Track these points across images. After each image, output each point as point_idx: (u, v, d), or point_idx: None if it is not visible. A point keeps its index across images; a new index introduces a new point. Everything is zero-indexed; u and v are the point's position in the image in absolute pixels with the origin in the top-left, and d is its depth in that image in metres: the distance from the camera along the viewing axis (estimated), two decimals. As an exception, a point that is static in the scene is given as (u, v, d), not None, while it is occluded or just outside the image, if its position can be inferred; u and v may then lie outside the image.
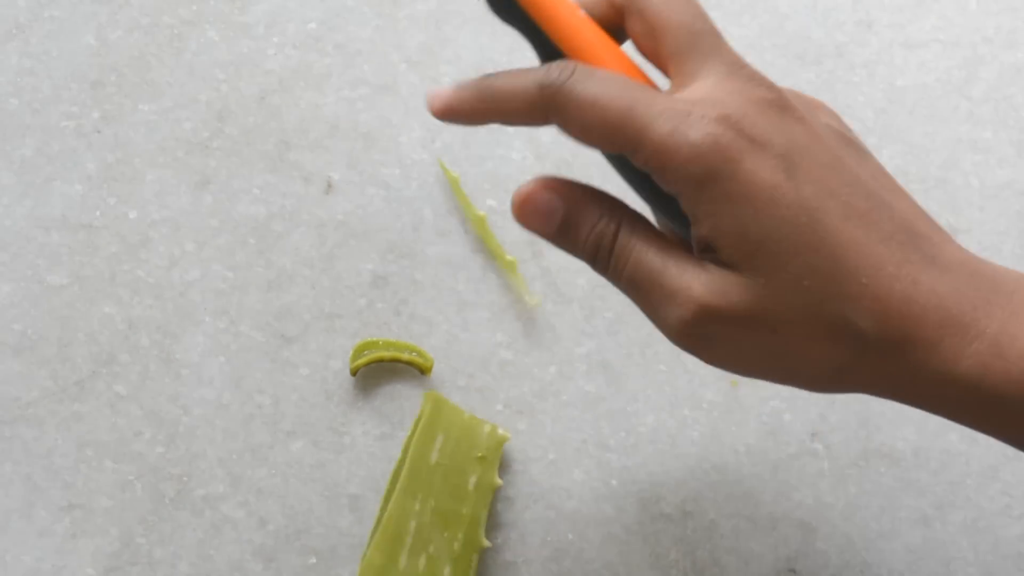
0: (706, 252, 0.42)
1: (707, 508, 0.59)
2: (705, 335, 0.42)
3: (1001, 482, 0.60)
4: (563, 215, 0.44)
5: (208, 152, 0.64)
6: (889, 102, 0.66)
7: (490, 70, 0.66)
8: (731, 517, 0.59)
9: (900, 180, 0.65)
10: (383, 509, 0.58)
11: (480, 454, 0.58)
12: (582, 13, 0.46)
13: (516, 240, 0.63)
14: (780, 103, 0.43)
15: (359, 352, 0.60)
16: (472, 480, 0.57)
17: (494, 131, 0.65)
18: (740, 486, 0.60)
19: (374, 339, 0.61)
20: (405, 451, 0.58)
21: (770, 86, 0.43)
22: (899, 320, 0.41)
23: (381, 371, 0.61)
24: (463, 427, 0.58)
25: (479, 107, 0.45)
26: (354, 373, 0.60)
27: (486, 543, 0.57)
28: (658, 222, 0.47)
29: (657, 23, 0.44)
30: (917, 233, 0.43)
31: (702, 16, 0.44)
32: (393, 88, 0.66)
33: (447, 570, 0.56)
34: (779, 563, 0.58)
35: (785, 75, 0.66)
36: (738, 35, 0.67)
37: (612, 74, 0.43)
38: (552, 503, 0.59)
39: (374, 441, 0.60)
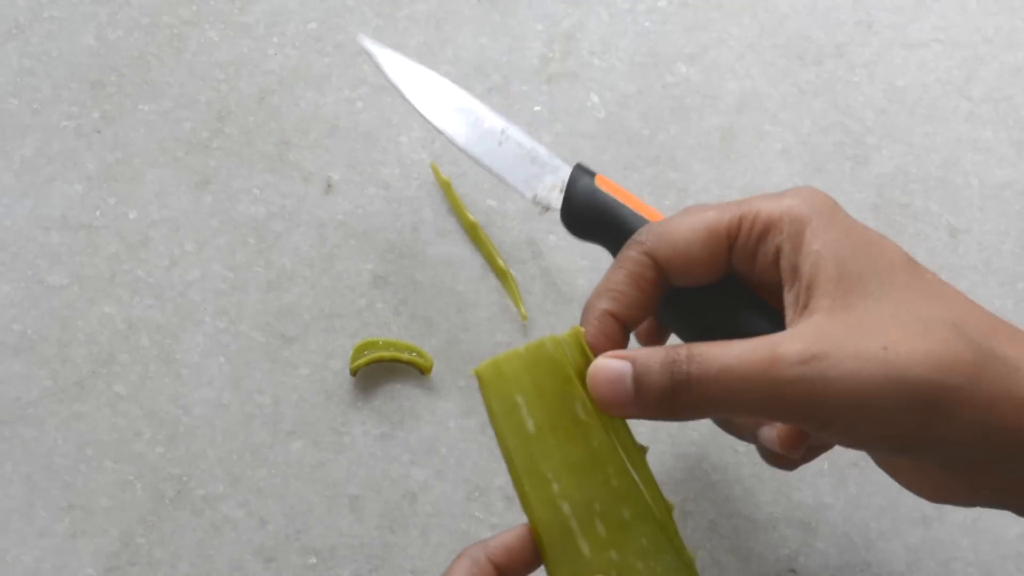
0: (796, 316, 0.43)
1: (707, 508, 0.59)
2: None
3: (1001, 482, 0.60)
4: (634, 375, 0.43)
5: (208, 152, 0.64)
6: (889, 102, 0.66)
7: (490, 70, 0.66)
8: (731, 517, 0.59)
9: (900, 180, 0.65)
10: (524, 503, 0.49)
11: (567, 374, 0.48)
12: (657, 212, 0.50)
13: (515, 241, 0.63)
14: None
15: (359, 352, 0.60)
16: (578, 408, 0.48)
17: (494, 131, 0.65)
18: (740, 486, 0.60)
19: (374, 339, 0.61)
20: (500, 436, 0.50)
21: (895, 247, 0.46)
22: None
23: (381, 371, 0.61)
24: (531, 367, 0.48)
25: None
26: (354, 373, 0.60)
27: (644, 445, 0.49)
28: None
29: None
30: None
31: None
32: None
33: (626, 511, 0.48)
34: (779, 563, 0.58)
35: (785, 75, 0.66)
36: (738, 35, 0.67)
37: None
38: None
39: (374, 441, 0.60)
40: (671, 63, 0.66)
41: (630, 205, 0.50)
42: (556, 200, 0.53)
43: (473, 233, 0.63)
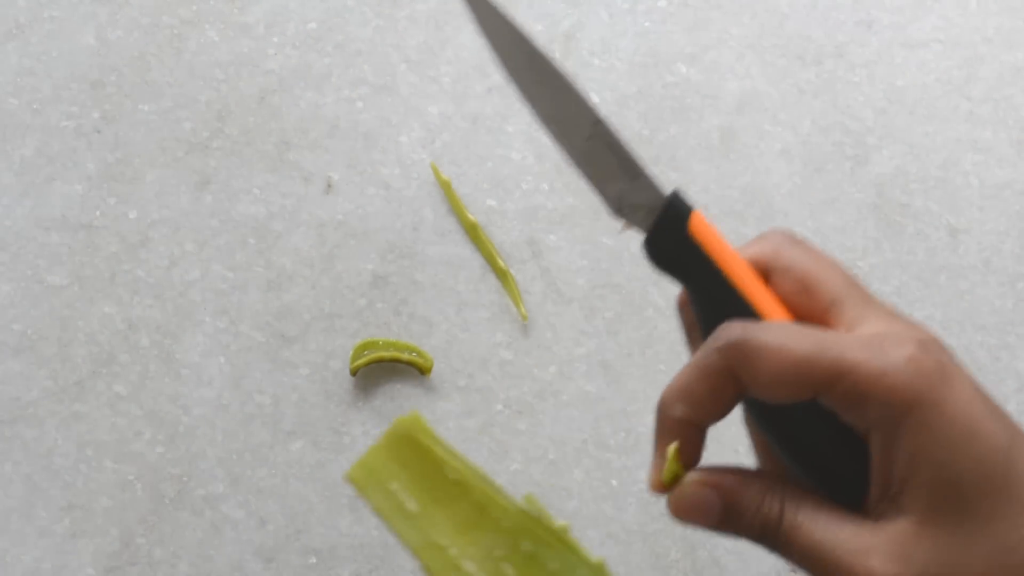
0: (885, 501, 0.40)
1: (707, 508, 0.59)
2: None
3: (1001, 482, 0.60)
4: (722, 507, 0.43)
5: (208, 152, 0.64)
6: (889, 102, 0.66)
7: (490, 70, 0.66)
8: (731, 517, 0.59)
9: (900, 180, 0.65)
10: None
11: (425, 446, 0.51)
12: (751, 267, 0.46)
13: (515, 241, 0.63)
14: (942, 346, 0.41)
15: (359, 352, 0.60)
16: (448, 472, 0.51)
17: (493, 131, 0.65)
18: (740, 486, 0.60)
19: (374, 339, 0.61)
20: (397, 532, 0.52)
21: (927, 330, 0.42)
22: None
23: (381, 371, 0.61)
24: (393, 453, 0.52)
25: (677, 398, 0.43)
26: (354, 373, 0.60)
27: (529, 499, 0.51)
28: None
29: (809, 277, 0.44)
30: None
31: (842, 267, 0.44)
32: (393, 88, 0.66)
33: (525, 543, 0.50)
34: (779, 563, 0.58)
35: (785, 75, 0.66)
36: (738, 35, 0.67)
37: (786, 322, 0.42)
38: (552, 503, 0.59)
39: (374, 441, 0.60)
40: (671, 63, 0.66)
41: (723, 259, 0.46)
42: (642, 223, 0.48)
43: (473, 233, 0.63)
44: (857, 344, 0.40)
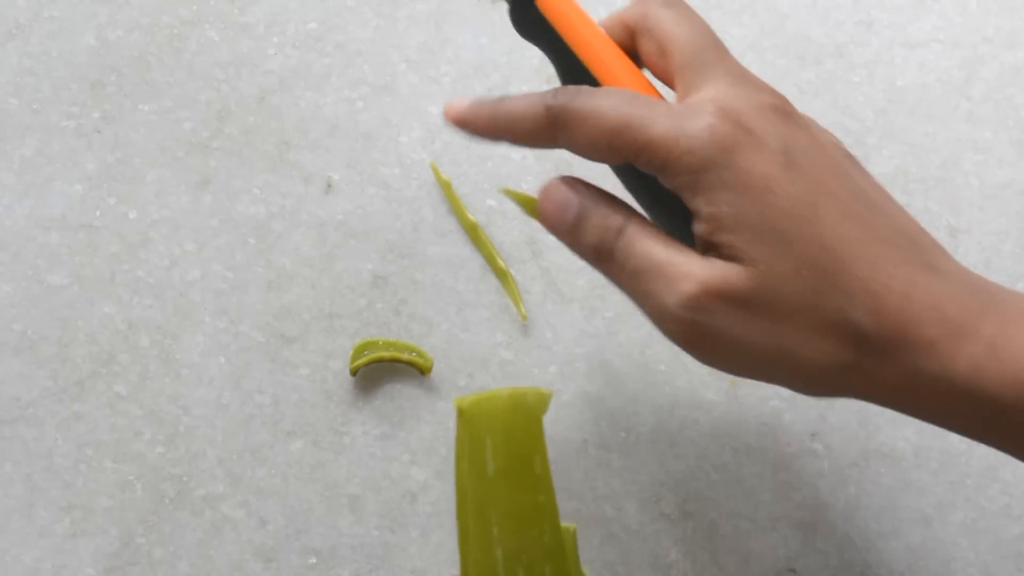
0: (709, 251, 0.43)
1: (707, 508, 0.59)
2: (703, 326, 0.42)
3: (1001, 482, 0.60)
4: (577, 209, 0.46)
5: (208, 152, 0.64)
6: (889, 102, 0.66)
7: (490, 70, 0.66)
8: (731, 517, 0.59)
9: (900, 180, 0.65)
10: (463, 540, 0.53)
11: (538, 429, 0.52)
12: (604, 34, 0.48)
13: (515, 241, 0.63)
14: (784, 109, 0.44)
15: (359, 352, 0.60)
16: (537, 461, 0.52)
17: (494, 131, 0.65)
18: (740, 486, 0.60)
19: (374, 339, 0.61)
20: (460, 473, 0.53)
21: (774, 93, 0.44)
22: (895, 317, 0.41)
23: (381, 371, 0.61)
24: (508, 412, 0.52)
25: (491, 124, 0.47)
26: (354, 373, 0.60)
27: (571, 526, 0.53)
28: None
29: (664, 40, 0.47)
30: (916, 242, 0.43)
31: (707, 31, 0.47)
32: (393, 88, 0.66)
33: (548, 569, 0.52)
34: (779, 563, 0.58)
35: (785, 75, 0.66)
36: (738, 35, 0.67)
37: (615, 89, 0.44)
38: (552, 503, 0.59)
39: (374, 441, 0.60)
40: (671, 63, 0.66)
41: (569, 28, 0.48)
42: None
43: (473, 233, 0.63)
44: (664, 115, 0.43)
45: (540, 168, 0.64)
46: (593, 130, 0.43)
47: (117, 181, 0.64)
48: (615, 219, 0.45)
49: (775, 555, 0.59)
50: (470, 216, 0.63)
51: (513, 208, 0.64)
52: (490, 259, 0.62)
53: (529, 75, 0.66)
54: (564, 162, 0.64)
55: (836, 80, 0.66)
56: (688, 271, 0.42)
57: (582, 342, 0.62)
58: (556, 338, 0.62)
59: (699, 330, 0.43)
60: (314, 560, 0.58)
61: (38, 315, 0.62)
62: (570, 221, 0.46)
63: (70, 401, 0.60)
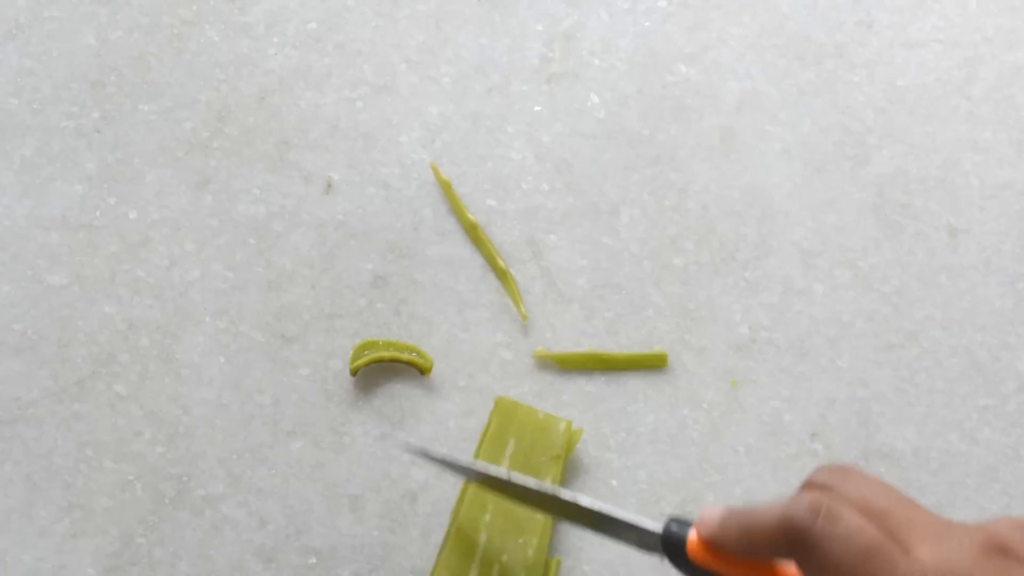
0: None
1: (707, 508, 0.59)
2: None
3: (1001, 482, 0.60)
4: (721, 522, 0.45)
5: (208, 152, 0.64)
6: (889, 102, 0.66)
7: (490, 70, 0.66)
8: (731, 517, 0.59)
9: (900, 180, 0.65)
10: (453, 521, 0.57)
11: (555, 453, 0.57)
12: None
13: (515, 241, 0.63)
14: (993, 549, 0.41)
15: (359, 352, 0.60)
16: (548, 481, 0.57)
17: (493, 131, 0.65)
18: (740, 486, 0.60)
19: (374, 339, 0.61)
20: (478, 451, 0.58)
21: (974, 531, 0.42)
22: None
23: (381, 371, 0.61)
24: (536, 428, 0.58)
25: (738, 543, 0.45)
26: (354, 373, 0.60)
27: (557, 557, 0.57)
28: None
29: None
30: None
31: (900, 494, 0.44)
32: (393, 88, 0.66)
33: None
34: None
35: (785, 75, 0.66)
36: (738, 35, 0.67)
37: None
38: (552, 503, 0.59)
39: (374, 441, 0.60)
40: (671, 63, 0.66)
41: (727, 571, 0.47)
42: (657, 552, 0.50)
43: (473, 233, 0.63)
44: (922, 536, 0.41)
45: (540, 168, 0.64)
46: (840, 553, 0.41)
47: (117, 181, 0.64)
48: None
49: (775, 555, 0.58)
50: (470, 216, 0.63)
51: (513, 208, 0.64)
52: (490, 259, 0.62)
53: (529, 75, 0.66)
54: (564, 163, 0.64)
55: (836, 80, 0.66)
56: None
57: (582, 342, 0.62)
58: (556, 338, 0.62)
59: None
60: (314, 560, 0.58)
61: (38, 315, 0.62)
62: (718, 533, 0.45)
63: (70, 401, 0.60)
